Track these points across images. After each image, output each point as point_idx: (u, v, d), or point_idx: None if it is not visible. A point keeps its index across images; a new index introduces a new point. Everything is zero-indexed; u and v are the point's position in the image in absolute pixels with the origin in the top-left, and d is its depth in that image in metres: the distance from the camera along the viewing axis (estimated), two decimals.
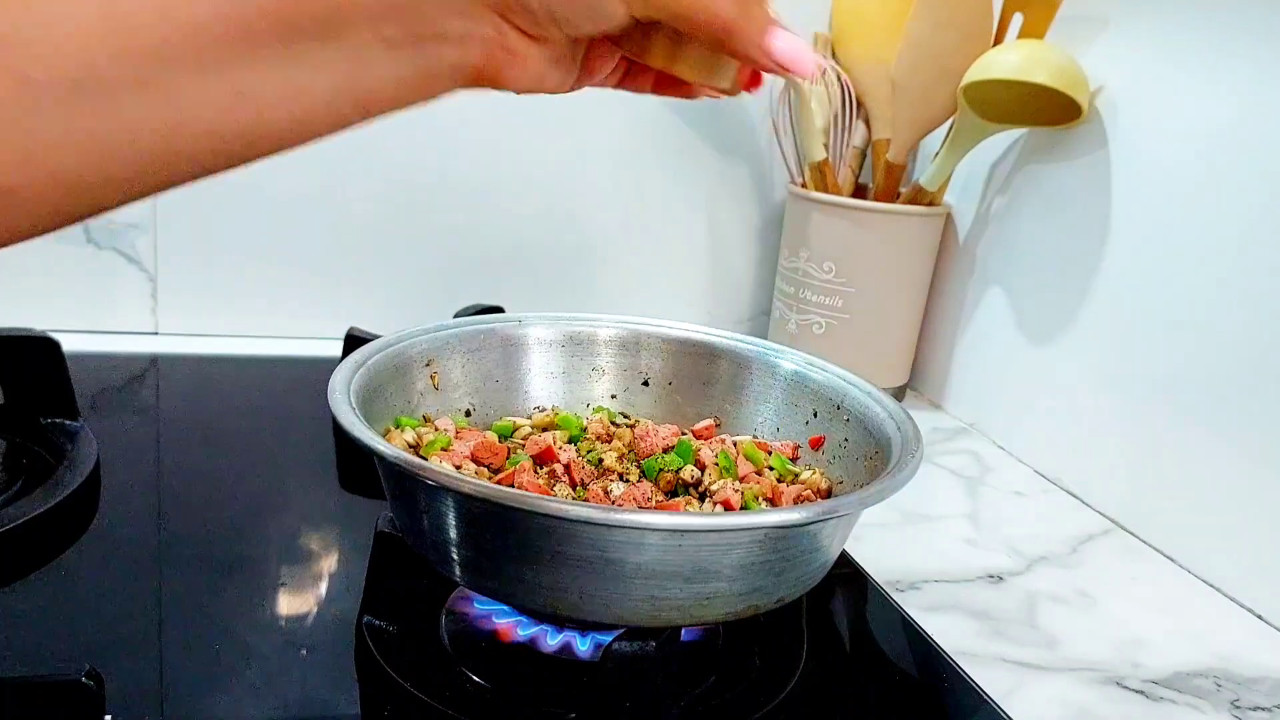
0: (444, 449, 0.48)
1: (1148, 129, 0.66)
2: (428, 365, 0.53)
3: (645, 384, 0.59)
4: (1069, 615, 0.55)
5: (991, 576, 0.58)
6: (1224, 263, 0.60)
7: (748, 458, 0.50)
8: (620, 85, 0.42)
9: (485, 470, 0.48)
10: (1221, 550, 0.59)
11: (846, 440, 0.52)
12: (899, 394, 0.87)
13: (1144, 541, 0.64)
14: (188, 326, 0.83)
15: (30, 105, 0.25)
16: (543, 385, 0.58)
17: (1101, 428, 0.68)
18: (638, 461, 0.50)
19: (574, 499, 0.46)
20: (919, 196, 0.80)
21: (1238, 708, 0.48)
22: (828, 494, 0.50)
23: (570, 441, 0.50)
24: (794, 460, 0.53)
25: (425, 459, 0.46)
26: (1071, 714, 0.46)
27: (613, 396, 0.59)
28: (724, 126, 0.90)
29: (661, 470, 0.48)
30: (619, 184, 0.89)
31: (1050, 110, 0.70)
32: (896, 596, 0.54)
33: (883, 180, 0.81)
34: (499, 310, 0.68)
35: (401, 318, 0.58)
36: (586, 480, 0.47)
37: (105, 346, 0.78)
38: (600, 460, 0.49)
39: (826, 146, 0.82)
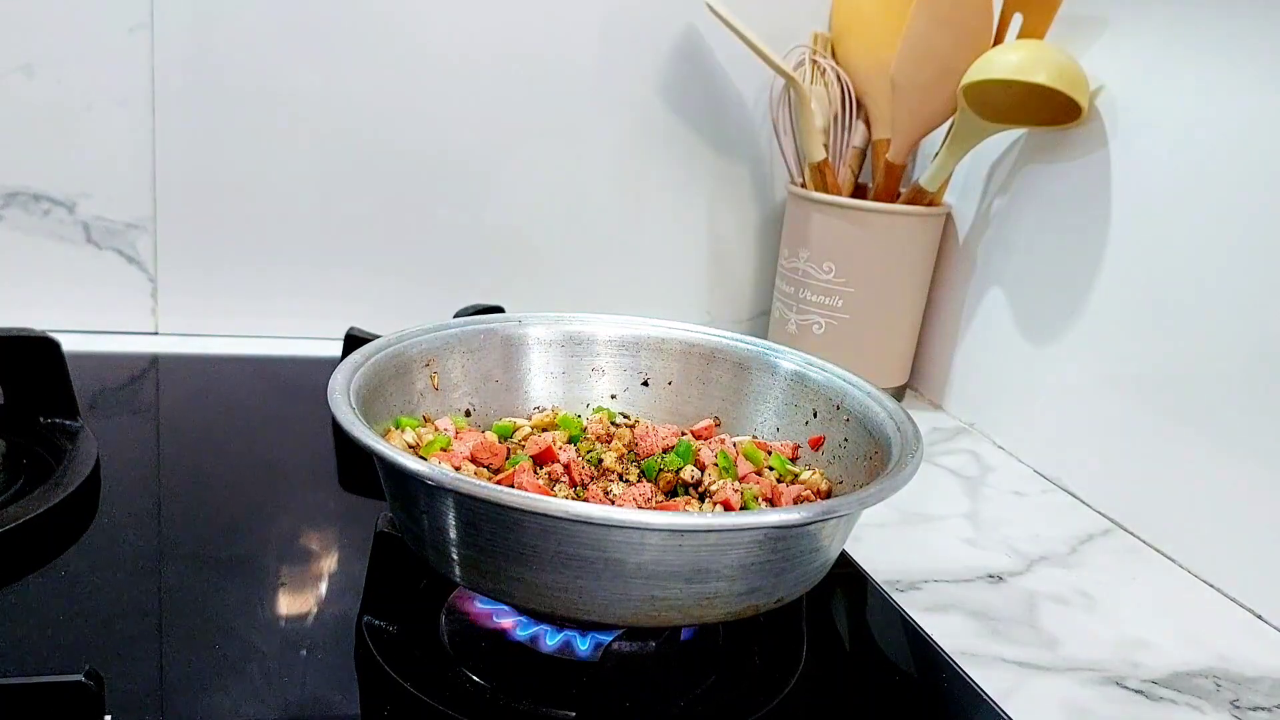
0: (443, 449, 0.48)
1: (1148, 129, 0.66)
2: (428, 365, 0.53)
3: (645, 384, 0.59)
4: (1069, 615, 0.55)
5: (991, 576, 0.58)
6: (1224, 262, 0.60)
7: (747, 458, 0.50)
8: None
9: (485, 470, 0.48)
10: (1221, 550, 0.59)
11: (846, 440, 0.52)
12: (899, 394, 0.87)
13: (1144, 541, 0.64)
14: (188, 326, 0.83)
15: None
16: (543, 385, 0.58)
17: (1101, 428, 0.68)
18: (637, 461, 0.50)
19: (574, 499, 0.46)
20: (919, 196, 0.80)
21: (1238, 708, 0.48)
22: (828, 494, 0.50)
23: (570, 442, 0.50)
24: (794, 460, 0.53)
25: (425, 459, 0.46)
26: (1071, 714, 0.46)
27: (612, 396, 0.59)
28: (724, 126, 0.90)
29: (661, 470, 0.48)
30: (619, 184, 0.89)
31: (1050, 110, 0.70)
32: (896, 596, 0.54)
33: (883, 180, 0.81)
34: (499, 310, 0.68)
35: (401, 318, 0.58)
36: (586, 480, 0.47)
37: (105, 346, 0.78)
38: (600, 460, 0.49)
39: (826, 146, 0.82)
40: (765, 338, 0.64)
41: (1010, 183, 0.78)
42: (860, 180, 0.86)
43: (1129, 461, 0.66)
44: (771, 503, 0.48)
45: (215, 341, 0.83)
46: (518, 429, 0.52)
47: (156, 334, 0.83)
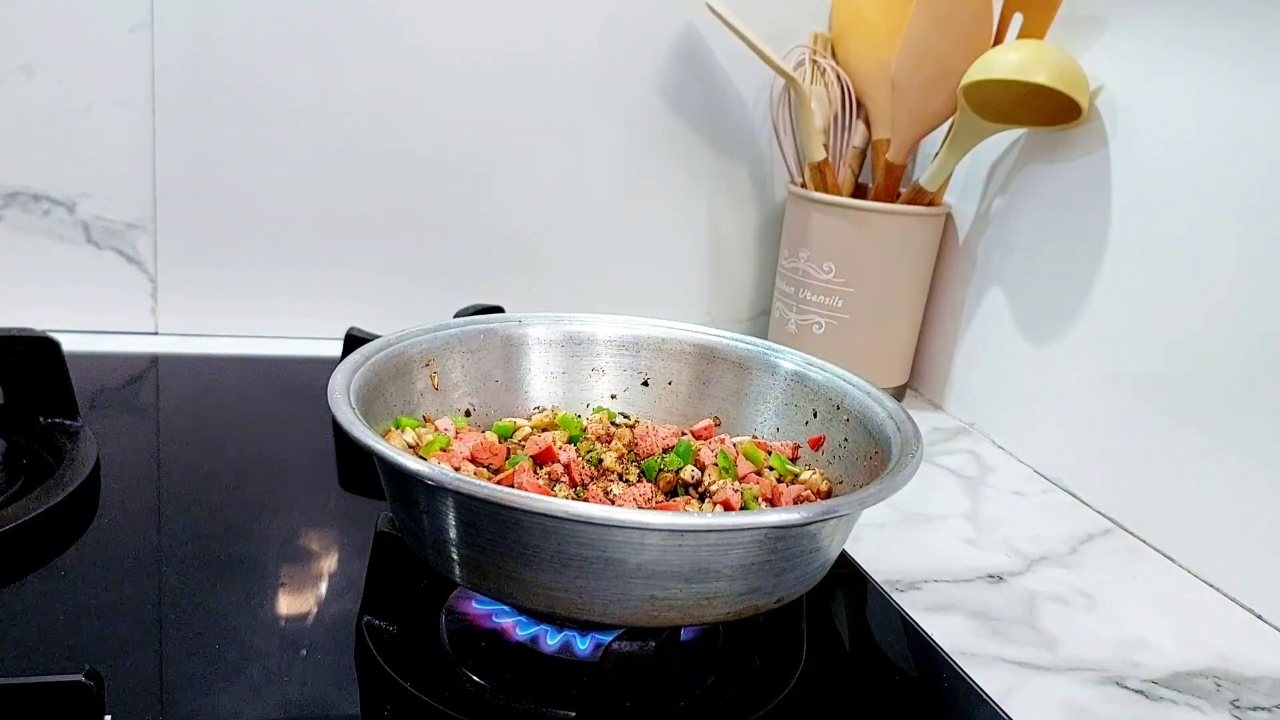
0: (443, 449, 0.48)
1: (1148, 129, 0.66)
2: (428, 365, 0.53)
3: (645, 384, 0.59)
4: (1069, 615, 0.55)
5: (991, 576, 0.58)
6: (1224, 262, 0.60)
7: (747, 458, 0.50)
8: None
9: (485, 470, 0.48)
10: (1221, 550, 0.59)
11: (846, 440, 0.52)
12: (899, 394, 0.87)
13: (1144, 541, 0.64)
14: (188, 326, 0.83)
15: None
16: (543, 385, 0.58)
17: (1101, 428, 0.68)
18: (638, 461, 0.49)
19: (574, 499, 0.46)
20: (919, 196, 0.80)
21: (1238, 708, 0.48)
22: (827, 494, 0.50)
23: (570, 442, 0.50)
24: (794, 460, 0.53)
25: (424, 459, 0.46)
26: (1071, 714, 0.46)
27: (612, 396, 0.59)
28: (724, 126, 0.90)
29: (661, 470, 0.48)
30: (619, 184, 0.89)
31: (1050, 110, 0.70)
32: (896, 596, 0.54)
33: (883, 180, 0.81)
34: (499, 310, 0.68)
35: (401, 318, 0.58)
36: (586, 480, 0.47)
37: (105, 346, 0.78)
38: (600, 460, 0.49)
39: (826, 146, 0.82)
40: (765, 338, 0.64)
41: (1010, 183, 0.78)
42: (860, 180, 0.86)
43: (1129, 461, 0.66)
44: (771, 503, 0.48)
45: (215, 341, 0.83)
46: (518, 429, 0.52)
47: (156, 334, 0.83)
